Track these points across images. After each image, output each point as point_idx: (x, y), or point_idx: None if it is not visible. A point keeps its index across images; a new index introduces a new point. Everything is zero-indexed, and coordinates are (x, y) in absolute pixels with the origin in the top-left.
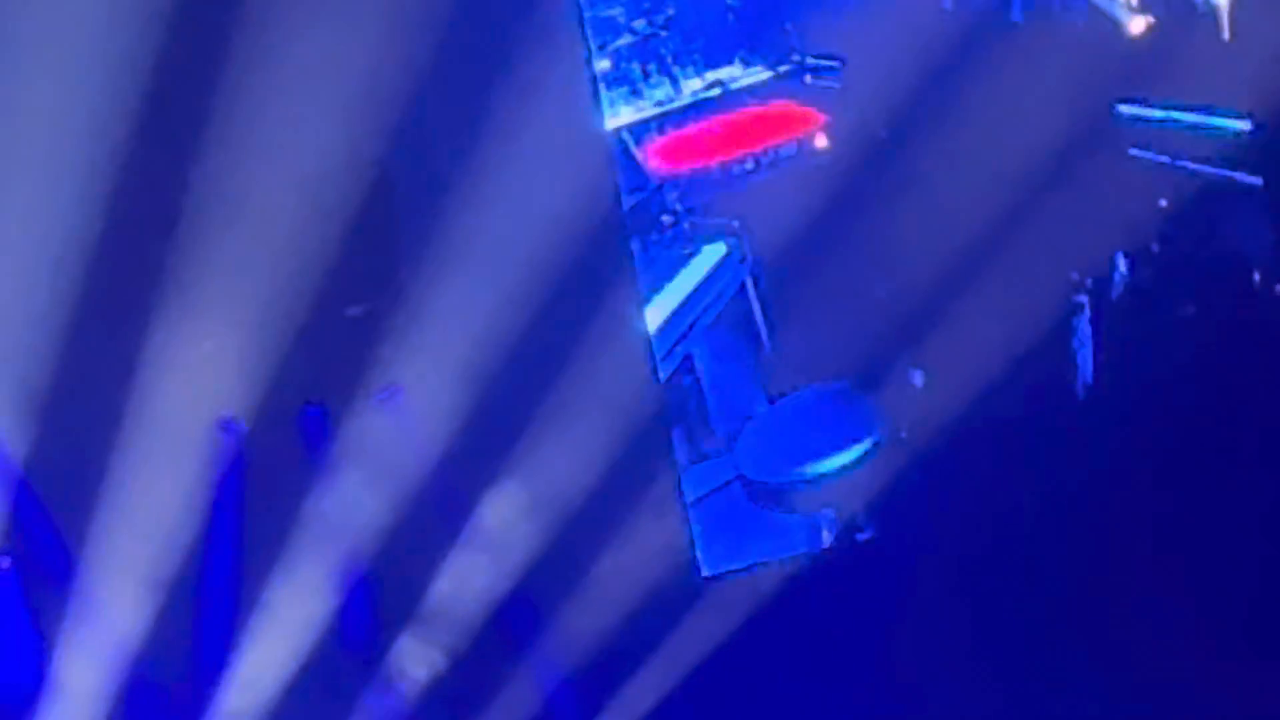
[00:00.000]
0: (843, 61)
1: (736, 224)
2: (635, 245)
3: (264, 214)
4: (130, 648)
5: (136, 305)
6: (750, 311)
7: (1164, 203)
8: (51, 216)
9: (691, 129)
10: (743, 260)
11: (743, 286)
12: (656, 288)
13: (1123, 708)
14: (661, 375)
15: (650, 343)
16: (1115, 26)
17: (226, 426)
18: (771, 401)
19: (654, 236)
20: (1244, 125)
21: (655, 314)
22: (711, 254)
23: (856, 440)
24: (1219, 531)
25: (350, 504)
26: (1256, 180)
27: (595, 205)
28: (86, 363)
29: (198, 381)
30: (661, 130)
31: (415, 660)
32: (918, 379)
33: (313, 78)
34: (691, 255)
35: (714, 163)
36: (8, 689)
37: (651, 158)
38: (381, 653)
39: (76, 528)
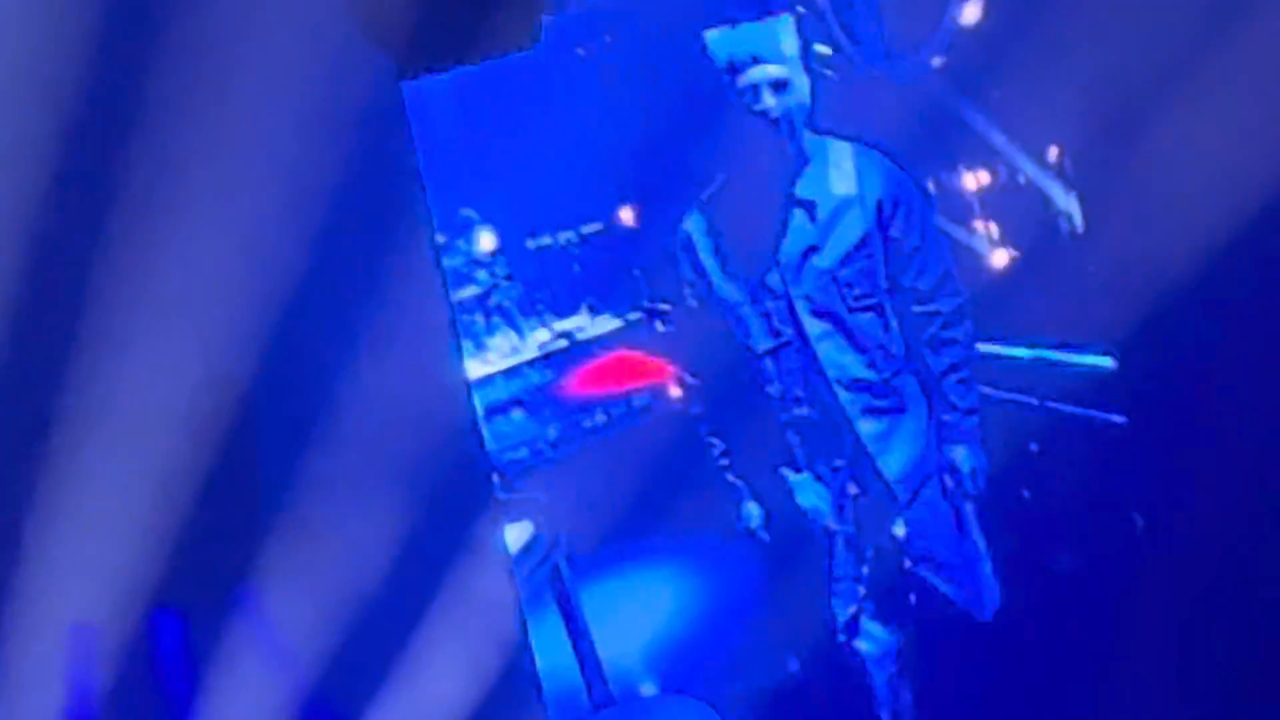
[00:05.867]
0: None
1: (544, 500)
2: None
3: (121, 423)
4: None
5: None
6: (565, 603)
7: (1034, 447)
8: None
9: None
10: (553, 544)
11: (555, 573)
12: None
13: None
14: None
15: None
16: (976, 260)
17: (80, 632)
18: (596, 709)
19: None
20: (1107, 362)
21: None
22: (514, 536)
23: None
24: None
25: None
26: (1120, 419)
27: (459, 456)
28: None
29: (51, 587)
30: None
31: None
32: None
33: (177, 302)
34: None
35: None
36: None
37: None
38: None
39: None
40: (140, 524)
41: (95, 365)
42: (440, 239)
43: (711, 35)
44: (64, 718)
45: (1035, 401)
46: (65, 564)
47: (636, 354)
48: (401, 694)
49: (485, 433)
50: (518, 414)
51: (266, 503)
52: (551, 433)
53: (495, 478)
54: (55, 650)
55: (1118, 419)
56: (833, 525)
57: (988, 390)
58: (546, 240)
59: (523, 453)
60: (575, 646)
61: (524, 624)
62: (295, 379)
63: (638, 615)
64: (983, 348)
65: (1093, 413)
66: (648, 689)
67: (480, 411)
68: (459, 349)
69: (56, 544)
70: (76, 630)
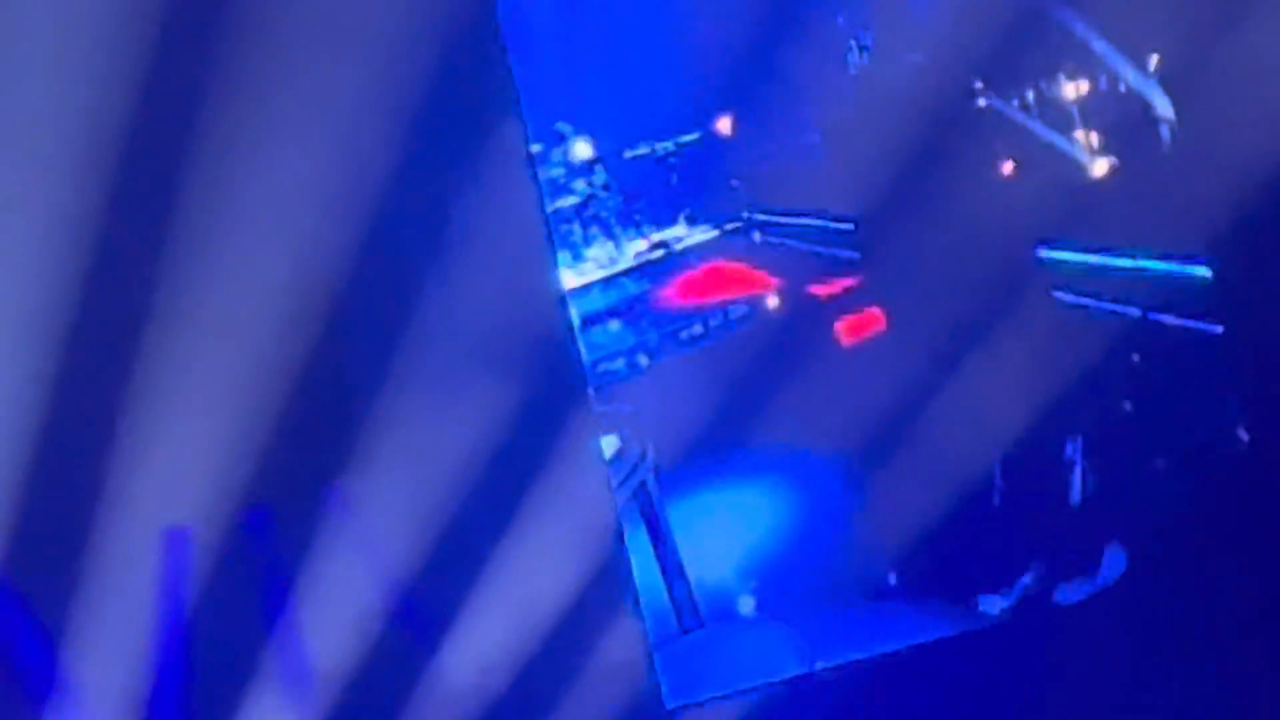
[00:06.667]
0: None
1: (632, 411)
2: None
3: (212, 324)
4: None
5: (86, 415)
6: (652, 520)
7: (1136, 358)
8: None
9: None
10: (641, 458)
11: (641, 488)
12: None
13: None
14: None
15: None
16: (1078, 169)
17: (174, 535)
18: (686, 632)
19: None
20: (1204, 272)
21: None
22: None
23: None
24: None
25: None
26: (1216, 329)
27: (552, 361)
28: (38, 472)
29: (145, 489)
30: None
31: None
32: None
33: (272, 209)
34: None
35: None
36: None
37: None
38: None
39: (28, 638)
40: (234, 425)
41: (190, 269)
42: (537, 149)
43: None
44: (159, 618)
45: (1138, 313)
46: (158, 467)
47: (734, 264)
48: (493, 599)
49: (581, 342)
50: (614, 324)
51: (359, 406)
52: (648, 343)
53: (591, 390)
54: (150, 551)
55: (1214, 329)
56: None
57: (1090, 301)
58: (644, 150)
59: (619, 363)
60: (662, 564)
61: (620, 533)
62: (389, 284)
63: (729, 531)
64: (1084, 258)
65: (1192, 323)
66: (740, 606)
67: (577, 321)
68: (554, 256)
69: (149, 447)
70: (171, 532)
